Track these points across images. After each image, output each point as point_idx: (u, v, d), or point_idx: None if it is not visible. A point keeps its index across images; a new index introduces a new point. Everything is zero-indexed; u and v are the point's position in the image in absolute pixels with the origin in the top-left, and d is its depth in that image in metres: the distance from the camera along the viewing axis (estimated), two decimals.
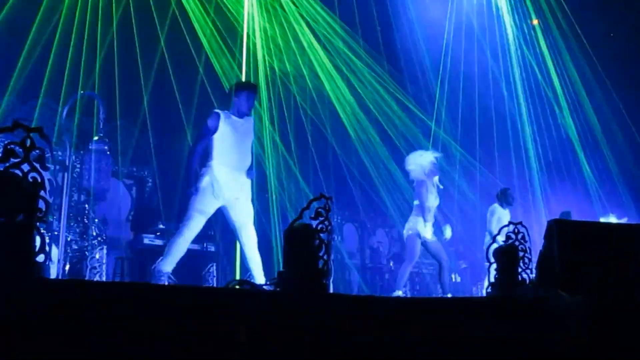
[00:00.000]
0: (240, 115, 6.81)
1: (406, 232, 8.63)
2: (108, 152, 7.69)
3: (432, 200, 8.57)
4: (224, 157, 6.64)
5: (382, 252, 12.14)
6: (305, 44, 10.99)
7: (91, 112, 8.15)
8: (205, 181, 6.57)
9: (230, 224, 6.82)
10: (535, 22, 12.97)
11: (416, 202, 8.65)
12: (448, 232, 8.67)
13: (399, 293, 8.40)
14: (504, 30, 12.88)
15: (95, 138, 7.64)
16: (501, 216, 9.48)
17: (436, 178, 8.70)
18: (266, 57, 10.62)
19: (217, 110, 6.78)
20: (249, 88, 7.01)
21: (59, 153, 8.25)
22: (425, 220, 8.42)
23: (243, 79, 9.19)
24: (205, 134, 6.66)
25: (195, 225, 6.63)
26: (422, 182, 8.58)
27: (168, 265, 6.51)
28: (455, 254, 11.39)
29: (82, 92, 7.80)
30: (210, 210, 6.64)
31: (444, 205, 9.48)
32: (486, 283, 8.61)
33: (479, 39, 12.62)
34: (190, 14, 9.86)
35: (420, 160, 8.70)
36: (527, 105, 12.83)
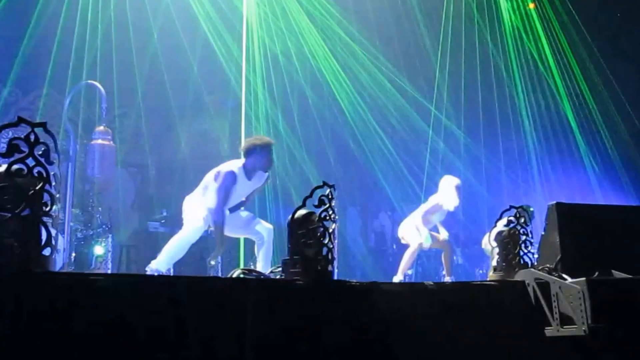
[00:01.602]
0: (252, 173, 6.79)
1: (403, 229, 8.80)
2: (111, 142, 7.71)
3: (435, 219, 8.77)
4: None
5: (385, 236, 12.18)
6: (306, 30, 10.98)
7: (94, 102, 8.20)
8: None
9: (237, 235, 6.95)
10: (531, 5, 12.91)
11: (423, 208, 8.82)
12: (444, 235, 8.85)
13: (399, 278, 8.46)
14: (501, 13, 12.82)
15: (99, 128, 7.66)
16: None
17: (455, 203, 8.82)
18: (267, 42, 10.62)
19: (234, 171, 6.70)
20: (270, 148, 6.87)
21: (63, 143, 8.29)
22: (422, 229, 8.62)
23: (243, 67, 9.20)
24: (227, 196, 6.65)
25: (199, 229, 6.71)
26: (436, 204, 8.75)
27: (164, 265, 6.53)
28: (454, 241, 11.45)
29: (84, 82, 7.82)
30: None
31: None
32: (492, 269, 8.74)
33: (478, 22, 12.59)
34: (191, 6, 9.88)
35: (448, 184, 8.85)
36: (526, 89, 12.82)
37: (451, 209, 8.83)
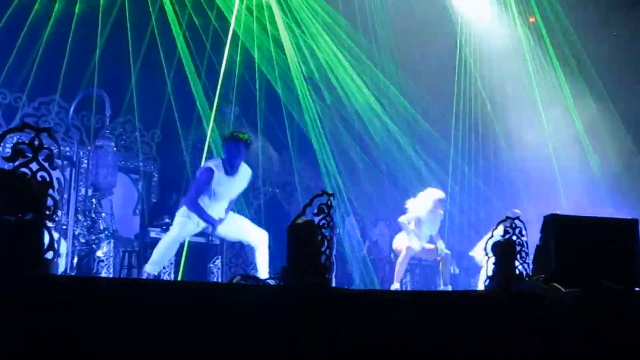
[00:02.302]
0: (233, 168, 6.78)
1: (395, 244, 8.90)
2: (114, 148, 7.78)
3: (425, 230, 8.84)
4: (206, 206, 6.74)
5: (383, 245, 12.23)
6: (318, 39, 11.04)
7: (98, 109, 8.26)
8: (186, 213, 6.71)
9: (232, 238, 6.97)
10: (532, 20, 12.98)
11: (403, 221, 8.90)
12: (441, 246, 8.88)
13: (396, 286, 8.54)
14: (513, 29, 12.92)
15: (103, 134, 7.75)
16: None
17: (440, 212, 8.90)
18: (270, 50, 10.68)
19: (210, 167, 6.71)
20: (237, 140, 6.82)
21: (67, 149, 8.37)
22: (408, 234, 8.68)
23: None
24: (200, 191, 6.68)
25: (185, 229, 6.74)
26: (419, 219, 8.83)
27: (157, 267, 6.57)
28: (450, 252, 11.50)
29: (89, 89, 7.89)
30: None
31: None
32: (483, 276, 8.79)
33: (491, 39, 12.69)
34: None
35: (425, 197, 8.93)
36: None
37: (423, 215, 8.87)
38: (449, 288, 8.70)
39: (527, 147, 12.61)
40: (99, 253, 7.82)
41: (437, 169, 11.92)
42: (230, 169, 6.75)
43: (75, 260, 7.38)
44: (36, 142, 3.10)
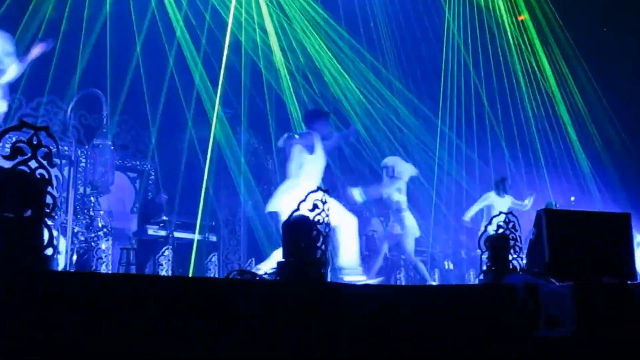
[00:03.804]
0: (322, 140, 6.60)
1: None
2: (112, 147, 7.81)
3: (396, 197, 8.88)
4: (311, 179, 6.47)
5: (378, 240, 12.27)
6: (304, 34, 11.06)
7: (95, 109, 8.30)
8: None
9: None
10: (521, 17, 13.04)
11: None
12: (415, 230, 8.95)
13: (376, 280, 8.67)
14: (500, 24, 12.95)
15: (100, 133, 7.77)
16: (493, 203, 9.76)
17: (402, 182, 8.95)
18: (265, 50, 10.71)
19: (311, 132, 6.51)
20: (327, 115, 6.82)
21: (65, 148, 8.39)
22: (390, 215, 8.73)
23: (242, 72, 9.28)
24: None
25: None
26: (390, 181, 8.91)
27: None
28: (457, 244, 11.52)
29: (86, 89, 7.91)
30: None
31: (443, 197, 9.72)
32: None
33: (477, 33, 12.71)
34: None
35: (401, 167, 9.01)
36: (522, 97, 12.96)
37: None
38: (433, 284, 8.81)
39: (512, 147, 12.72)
40: (98, 251, 7.85)
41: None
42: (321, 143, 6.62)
43: (75, 257, 7.41)
44: (35, 141, 3.13)
